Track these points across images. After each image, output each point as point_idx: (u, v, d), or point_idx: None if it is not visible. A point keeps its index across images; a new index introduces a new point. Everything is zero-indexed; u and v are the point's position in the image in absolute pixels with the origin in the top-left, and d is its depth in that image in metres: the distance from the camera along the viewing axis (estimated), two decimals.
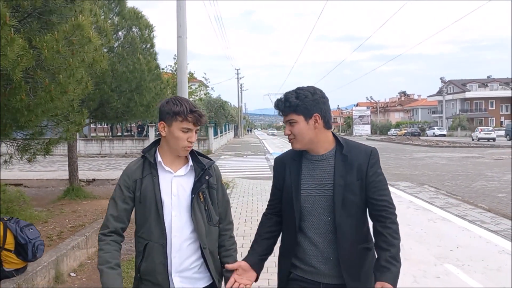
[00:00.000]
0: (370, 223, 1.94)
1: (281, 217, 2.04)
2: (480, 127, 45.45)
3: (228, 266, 1.96)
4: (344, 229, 1.84)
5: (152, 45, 9.50)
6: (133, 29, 9.11)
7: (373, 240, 1.91)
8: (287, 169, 1.95)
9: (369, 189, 1.88)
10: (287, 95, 1.88)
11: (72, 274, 5.05)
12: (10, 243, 4.16)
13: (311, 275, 1.89)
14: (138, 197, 1.90)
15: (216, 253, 2.00)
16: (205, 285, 1.95)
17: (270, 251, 2.04)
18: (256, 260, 1.98)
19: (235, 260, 2.00)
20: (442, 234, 6.22)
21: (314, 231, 1.88)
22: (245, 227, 6.63)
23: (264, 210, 2.13)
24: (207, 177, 1.94)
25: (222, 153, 26.05)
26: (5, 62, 2.91)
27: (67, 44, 3.45)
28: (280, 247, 2.03)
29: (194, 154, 1.99)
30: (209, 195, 1.96)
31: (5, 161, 4.76)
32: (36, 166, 17.25)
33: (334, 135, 1.95)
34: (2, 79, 3.14)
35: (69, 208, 8.04)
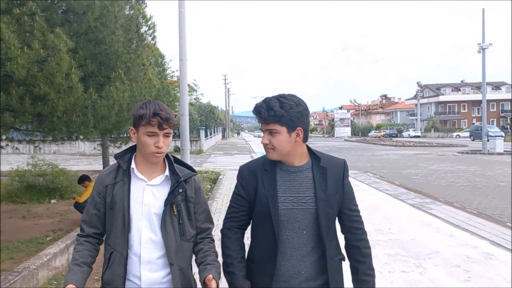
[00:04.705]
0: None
1: (244, 230, 1.96)
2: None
3: None
4: (328, 243, 1.84)
5: (164, 69, 12.91)
6: (150, 58, 12.47)
7: (343, 251, 1.95)
8: (260, 180, 1.86)
9: (343, 201, 1.89)
10: (270, 102, 1.78)
11: None
12: None
13: None
14: (109, 203, 1.84)
15: (187, 270, 1.87)
16: None
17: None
18: (248, 283, 1.89)
19: (215, 259, 1.89)
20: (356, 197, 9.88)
21: (287, 245, 1.83)
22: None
23: (224, 223, 1.96)
24: (180, 190, 1.84)
25: (213, 152, 29.68)
26: (122, 99, 6.45)
27: (144, 88, 7.00)
28: (251, 264, 1.92)
29: (172, 164, 1.89)
30: (186, 209, 1.87)
31: (106, 147, 8.30)
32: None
33: (307, 147, 1.91)
34: (116, 105, 6.64)
35: None
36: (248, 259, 1.94)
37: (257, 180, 1.87)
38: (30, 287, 4.33)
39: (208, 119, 39.63)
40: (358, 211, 1.95)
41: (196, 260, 1.92)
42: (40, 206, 9.47)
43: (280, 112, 1.76)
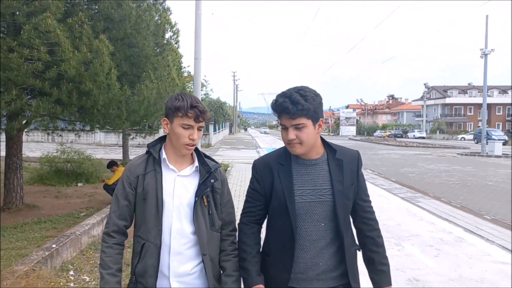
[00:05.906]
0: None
1: (261, 225, 1.98)
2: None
3: None
4: (345, 235, 1.86)
5: (180, 67, 13.91)
6: (168, 57, 13.46)
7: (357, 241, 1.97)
8: (275, 174, 1.87)
9: (357, 192, 1.91)
10: (293, 97, 1.76)
11: None
12: None
13: (303, 283, 1.87)
14: (140, 194, 1.84)
15: (217, 259, 1.91)
16: None
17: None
18: (262, 278, 1.91)
19: (236, 266, 1.93)
20: None
21: (306, 237, 1.84)
22: (240, 187, 11.23)
23: (241, 218, 1.99)
24: (212, 180, 1.87)
25: (220, 146, 30.77)
26: (151, 95, 7.46)
27: (168, 86, 8.01)
28: (267, 258, 1.95)
29: (200, 155, 1.93)
30: (213, 199, 1.89)
31: (132, 138, 9.34)
32: None
33: (321, 138, 1.92)
34: (145, 101, 7.65)
35: None
36: (264, 252, 1.97)
37: (273, 174, 1.88)
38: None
39: (217, 114, 40.74)
40: (370, 201, 1.97)
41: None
42: (69, 188, 10.53)
43: (307, 105, 1.75)
